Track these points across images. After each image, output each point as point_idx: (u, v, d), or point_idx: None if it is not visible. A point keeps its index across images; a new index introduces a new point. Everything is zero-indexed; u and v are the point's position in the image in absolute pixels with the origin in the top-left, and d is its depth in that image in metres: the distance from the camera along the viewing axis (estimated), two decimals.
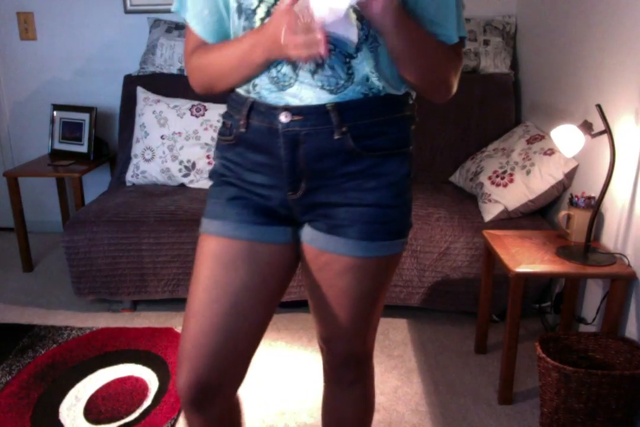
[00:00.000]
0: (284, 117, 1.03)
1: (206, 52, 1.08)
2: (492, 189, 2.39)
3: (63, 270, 2.90)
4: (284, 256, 1.14)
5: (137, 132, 2.82)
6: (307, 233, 1.13)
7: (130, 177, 2.81)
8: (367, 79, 1.02)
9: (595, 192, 1.98)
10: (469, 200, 2.55)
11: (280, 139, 1.04)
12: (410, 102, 1.12)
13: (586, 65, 2.15)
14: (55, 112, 3.14)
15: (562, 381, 1.64)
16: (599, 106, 1.78)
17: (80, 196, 2.83)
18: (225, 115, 1.14)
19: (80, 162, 2.99)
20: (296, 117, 1.02)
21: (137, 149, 2.80)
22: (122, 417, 1.85)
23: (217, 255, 1.10)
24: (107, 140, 3.22)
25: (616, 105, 1.89)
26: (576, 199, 1.95)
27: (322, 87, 1.01)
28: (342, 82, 1.01)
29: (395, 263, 1.17)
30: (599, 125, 1.81)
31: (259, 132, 1.06)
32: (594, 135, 1.82)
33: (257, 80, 1.05)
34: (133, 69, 3.11)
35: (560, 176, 2.26)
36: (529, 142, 2.45)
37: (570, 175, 2.25)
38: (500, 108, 2.86)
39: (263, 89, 1.05)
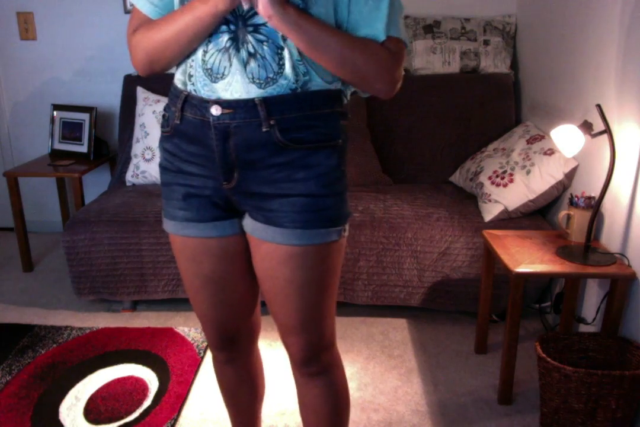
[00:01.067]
0: (215, 110, 1.08)
1: (151, 24, 1.11)
2: (492, 189, 2.39)
3: (63, 270, 2.91)
4: (238, 245, 1.23)
5: (137, 132, 2.82)
6: (248, 224, 1.19)
7: (130, 177, 2.81)
8: (296, 68, 1.05)
9: (595, 192, 1.98)
10: (469, 201, 2.55)
11: (212, 131, 1.10)
12: (344, 100, 1.16)
13: (586, 65, 2.15)
14: (55, 112, 3.14)
15: (562, 381, 1.64)
16: (599, 106, 1.78)
17: (80, 196, 2.83)
18: (165, 108, 1.20)
19: (80, 162, 2.99)
20: (226, 110, 1.08)
21: (137, 149, 2.80)
22: (122, 417, 1.85)
23: (181, 250, 1.24)
24: (107, 140, 3.23)
25: (616, 105, 1.89)
26: (576, 199, 1.95)
27: (252, 81, 1.05)
28: (272, 74, 1.05)
29: (336, 251, 1.19)
30: (599, 125, 1.81)
31: (192, 124, 1.12)
32: (594, 135, 1.82)
33: (192, 71, 1.10)
34: (133, 69, 3.11)
35: (560, 176, 2.26)
36: (529, 142, 2.45)
37: (570, 175, 2.25)
38: (500, 108, 2.87)
39: (198, 82, 1.10)
